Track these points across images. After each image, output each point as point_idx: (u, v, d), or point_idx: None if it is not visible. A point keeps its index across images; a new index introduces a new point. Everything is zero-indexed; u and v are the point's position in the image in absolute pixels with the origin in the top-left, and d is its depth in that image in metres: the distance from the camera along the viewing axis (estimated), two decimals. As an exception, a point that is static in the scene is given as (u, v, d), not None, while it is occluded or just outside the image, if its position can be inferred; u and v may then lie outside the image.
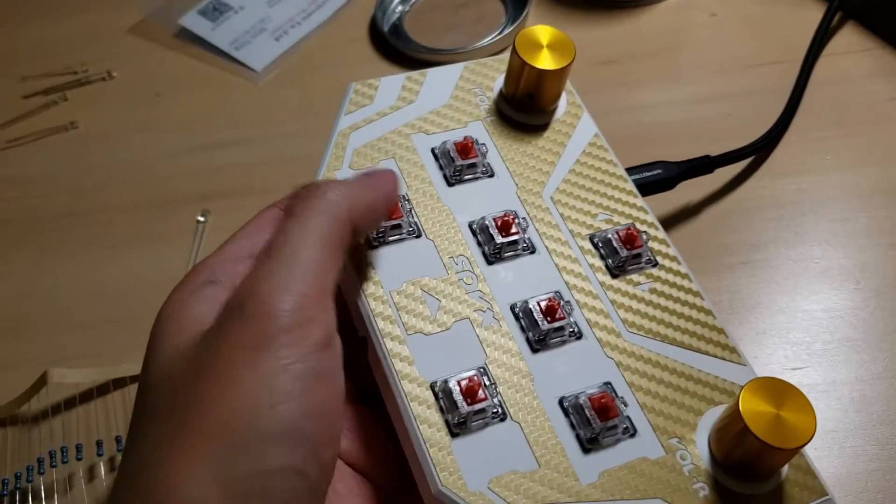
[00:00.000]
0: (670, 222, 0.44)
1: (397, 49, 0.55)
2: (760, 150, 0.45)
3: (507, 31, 0.54)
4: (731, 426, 0.29)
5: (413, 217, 0.36)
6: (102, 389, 0.42)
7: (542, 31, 0.38)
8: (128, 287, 0.46)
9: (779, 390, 0.29)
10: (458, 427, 0.31)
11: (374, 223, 0.33)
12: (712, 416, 0.31)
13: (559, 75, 0.38)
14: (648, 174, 0.42)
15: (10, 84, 0.57)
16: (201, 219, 0.49)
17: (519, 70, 0.38)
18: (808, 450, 0.36)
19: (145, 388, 0.27)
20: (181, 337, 0.27)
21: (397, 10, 0.57)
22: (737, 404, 0.29)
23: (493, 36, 0.54)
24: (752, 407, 0.28)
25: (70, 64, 0.58)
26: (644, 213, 0.37)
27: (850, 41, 0.51)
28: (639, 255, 0.35)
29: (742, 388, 0.29)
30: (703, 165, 0.43)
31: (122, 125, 0.54)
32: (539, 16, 0.56)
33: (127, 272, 0.47)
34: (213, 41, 0.57)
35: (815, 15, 0.52)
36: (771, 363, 0.39)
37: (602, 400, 0.31)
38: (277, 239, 0.28)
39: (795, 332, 0.40)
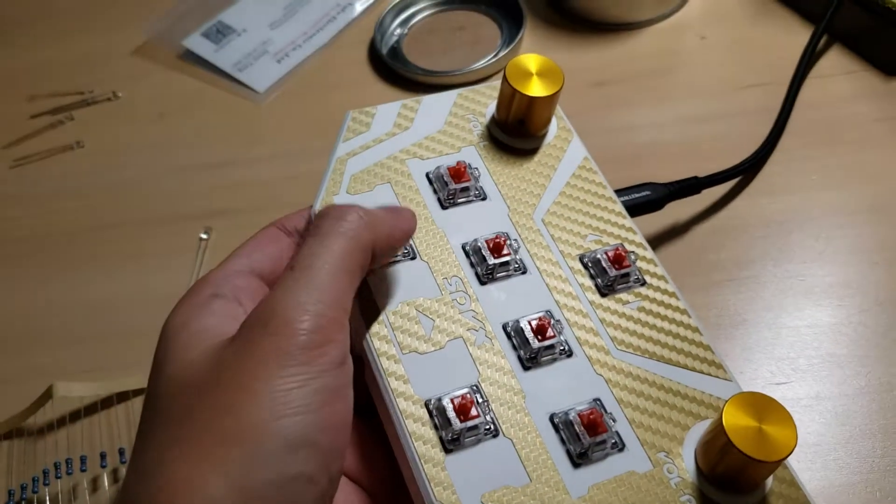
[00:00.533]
0: (660, 240, 0.45)
1: (395, 71, 0.56)
2: (747, 170, 0.46)
3: (502, 54, 0.55)
4: (716, 440, 0.30)
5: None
6: (106, 403, 0.43)
7: (532, 60, 0.39)
8: (131, 302, 0.47)
9: (761, 405, 0.30)
10: (451, 443, 0.31)
11: (391, 253, 0.34)
12: (699, 431, 0.32)
13: (549, 102, 0.39)
14: (637, 195, 0.43)
15: (18, 104, 0.58)
16: (204, 236, 0.50)
17: (510, 97, 0.39)
18: (793, 462, 0.37)
19: (156, 394, 0.28)
20: (193, 347, 0.28)
21: (396, 34, 0.59)
22: (720, 419, 0.29)
23: (488, 58, 0.55)
24: (735, 421, 0.29)
25: (77, 85, 0.59)
26: (632, 233, 0.38)
27: (835, 63, 0.53)
28: (627, 275, 0.36)
29: (725, 402, 0.30)
30: (691, 186, 0.44)
31: (127, 145, 0.55)
32: (533, 39, 0.57)
33: (131, 288, 0.48)
34: (217, 63, 0.58)
35: (803, 38, 0.54)
36: (756, 378, 0.40)
37: (591, 416, 0.32)
38: (301, 257, 0.29)
39: (780, 347, 0.41)
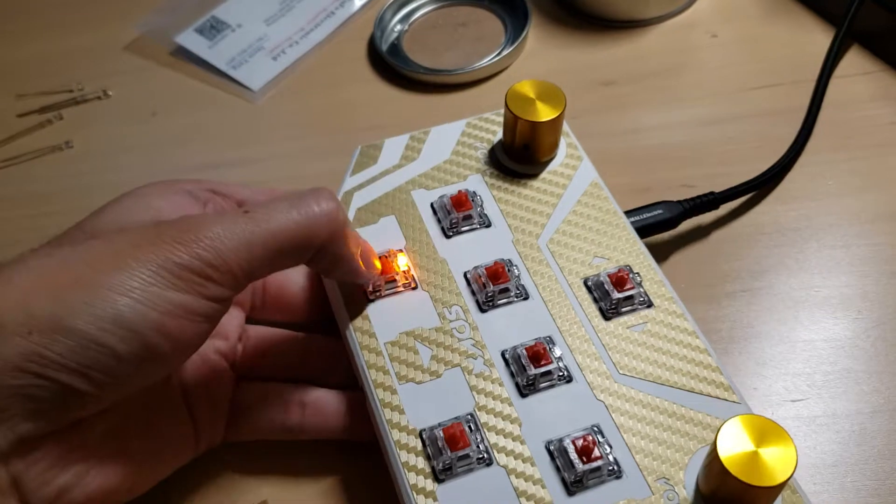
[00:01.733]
0: (670, 249, 0.43)
1: (395, 69, 0.54)
2: (768, 181, 0.45)
3: (506, 52, 0.53)
4: (712, 466, 0.29)
5: (410, 270, 0.37)
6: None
7: (531, 85, 0.40)
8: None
9: (758, 428, 0.29)
10: (443, 473, 0.32)
11: (341, 272, 0.35)
12: (702, 456, 0.31)
13: (552, 126, 0.39)
14: (649, 215, 0.41)
15: (5, 102, 0.56)
16: (196, 241, 0.48)
17: (513, 124, 0.39)
18: (807, 485, 0.35)
19: (79, 226, 0.35)
20: (134, 215, 0.34)
21: (396, 30, 0.57)
22: (714, 444, 0.29)
23: (492, 56, 0.54)
24: (731, 446, 0.29)
25: (66, 82, 0.57)
26: (641, 255, 0.38)
27: (852, 64, 0.51)
28: (631, 297, 0.36)
29: (719, 427, 0.29)
30: (708, 203, 0.43)
31: (118, 145, 0.54)
32: (538, 36, 0.56)
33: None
34: (210, 60, 0.57)
35: (818, 37, 0.52)
36: (771, 394, 0.38)
37: (584, 442, 0.31)
38: (260, 210, 0.31)
39: (796, 362, 0.39)
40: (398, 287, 0.37)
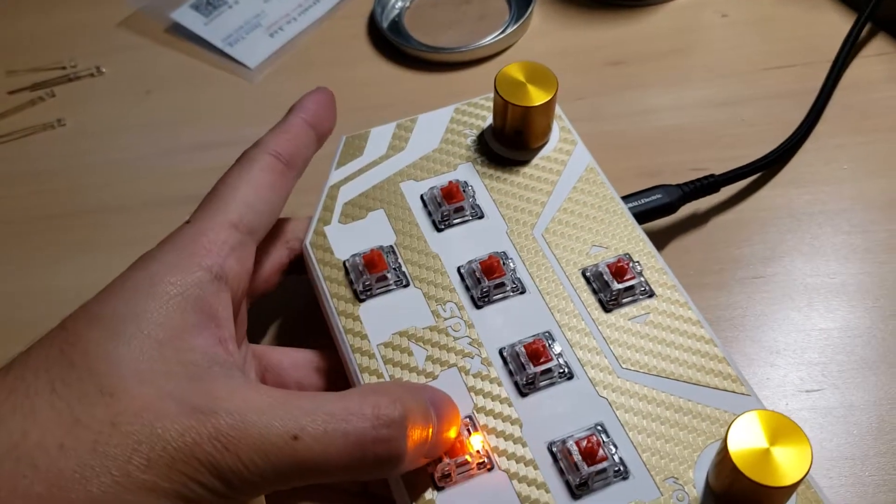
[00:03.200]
0: (675, 234, 0.42)
1: (397, 46, 0.53)
2: (770, 164, 0.43)
3: (510, 30, 0.52)
4: (723, 465, 0.28)
5: (401, 267, 0.36)
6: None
7: (521, 67, 0.38)
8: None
9: (772, 424, 0.28)
10: (442, 480, 0.30)
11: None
12: (712, 452, 0.30)
13: (544, 110, 0.38)
14: (647, 200, 0.40)
15: (-5, 79, 0.55)
16: (190, 223, 0.47)
17: (503, 109, 0.38)
18: (823, 479, 0.34)
19: (66, 333, 0.28)
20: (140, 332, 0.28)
21: (397, 7, 0.55)
22: (725, 442, 0.27)
23: (496, 34, 0.52)
24: (742, 445, 0.27)
25: (58, 59, 0.56)
26: (641, 242, 0.36)
27: (869, 45, 0.49)
28: (632, 287, 0.34)
29: (730, 424, 0.28)
30: (708, 186, 0.41)
31: (111, 123, 0.52)
32: (544, 14, 0.54)
33: (111, 278, 0.45)
34: (206, 37, 0.55)
35: (830, 17, 0.51)
36: (785, 385, 0.37)
37: (587, 444, 0.30)
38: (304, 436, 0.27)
39: (810, 351, 0.38)
40: (389, 285, 0.35)
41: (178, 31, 0.56)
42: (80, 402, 0.25)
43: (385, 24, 0.54)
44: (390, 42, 0.53)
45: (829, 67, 0.47)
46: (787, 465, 0.27)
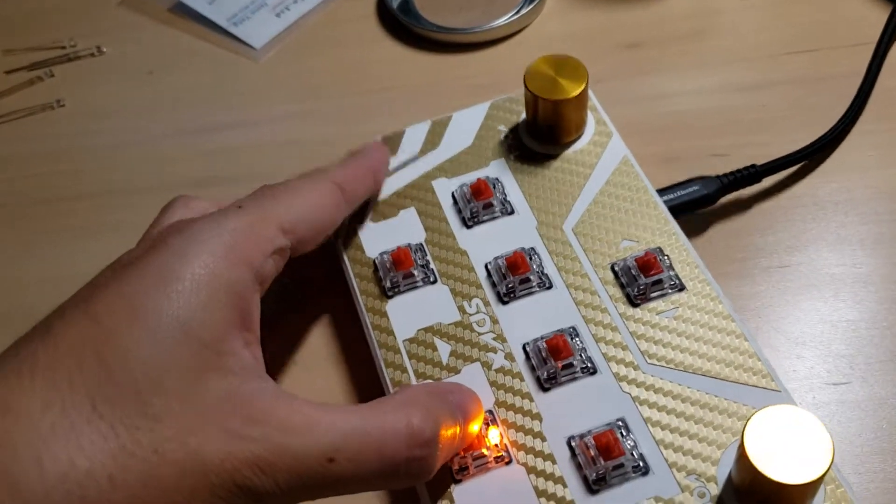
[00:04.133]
0: (700, 222, 0.41)
1: (407, 27, 0.51)
2: (817, 152, 0.42)
3: (524, 11, 0.50)
4: (741, 462, 0.27)
5: (429, 264, 0.36)
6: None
7: (549, 61, 0.38)
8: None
9: (789, 419, 0.27)
10: (459, 473, 0.30)
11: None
12: (736, 448, 0.29)
13: (576, 102, 0.37)
14: (683, 193, 0.39)
15: (-8, 58, 0.53)
16: (193, 207, 0.45)
17: (534, 104, 0.38)
18: (852, 475, 0.33)
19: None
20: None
21: (407, -14, 0.54)
22: (742, 439, 0.27)
23: (510, 15, 0.50)
24: (759, 441, 0.27)
25: (58, 38, 0.54)
26: (673, 236, 0.35)
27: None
28: (660, 281, 0.34)
29: (747, 420, 0.27)
30: (749, 176, 0.40)
31: (112, 105, 0.51)
32: (558, -5, 0.53)
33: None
34: (210, 16, 0.54)
35: (854, 1, 0.49)
36: (811, 377, 0.36)
37: (604, 439, 0.29)
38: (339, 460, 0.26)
39: (837, 343, 0.36)
40: (417, 282, 0.35)
41: (182, 9, 0.55)
42: (124, 424, 0.23)
43: (395, 4, 0.52)
44: (400, 22, 0.52)
45: (873, 52, 0.45)
46: (808, 461, 0.26)
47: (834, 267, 0.39)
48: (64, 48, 0.54)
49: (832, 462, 0.26)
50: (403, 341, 0.34)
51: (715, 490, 0.29)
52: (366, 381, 0.37)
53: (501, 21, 0.50)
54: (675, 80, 0.47)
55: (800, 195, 0.41)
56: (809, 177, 0.42)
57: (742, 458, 0.27)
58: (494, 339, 0.33)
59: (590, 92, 0.39)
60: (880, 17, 0.47)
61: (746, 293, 0.38)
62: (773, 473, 0.26)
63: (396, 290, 0.35)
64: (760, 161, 0.41)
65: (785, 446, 0.26)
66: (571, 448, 0.30)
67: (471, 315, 0.34)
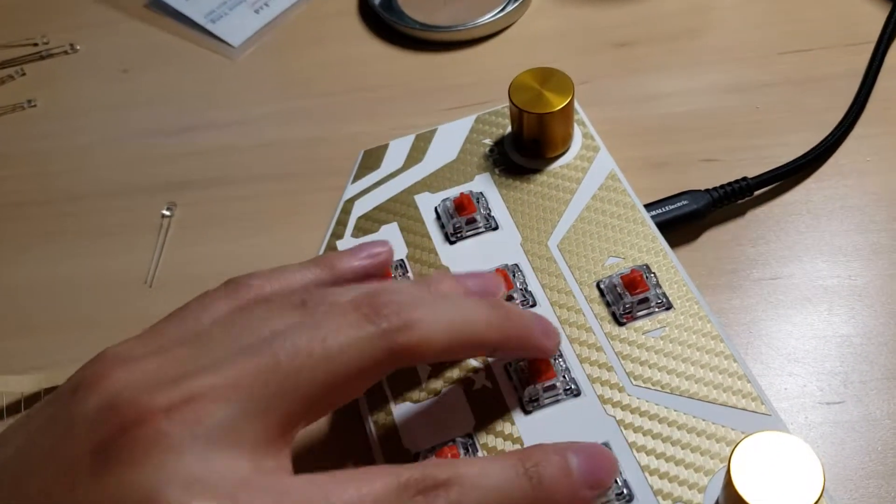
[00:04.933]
0: (689, 233, 0.39)
1: (389, 24, 0.50)
2: (811, 163, 0.40)
3: (510, 8, 0.49)
4: (728, 491, 0.26)
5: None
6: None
7: (534, 74, 0.37)
8: (85, 288, 0.42)
9: (778, 446, 0.26)
10: None
11: None
12: (724, 475, 0.28)
13: (562, 116, 0.36)
14: (672, 208, 0.38)
15: (-39, 55, 0.52)
16: (167, 212, 0.44)
17: (519, 118, 0.37)
18: (845, 500, 0.31)
19: None
20: None
21: (390, -18, 0.52)
22: (729, 467, 0.26)
23: (495, 12, 0.49)
24: (746, 470, 0.25)
25: (29, 34, 0.53)
26: (661, 253, 0.34)
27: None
28: (646, 300, 0.32)
29: (733, 448, 0.26)
30: (741, 190, 0.39)
31: (85, 104, 0.50)
32: (546, -9, 0.51)
33: (84, 271, 0.42)
34: (187, 12, 0.52)
35: (853, -3, 0.48)
36: (803, 396, 0.34)
37: None
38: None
39: (830, 360, 0.35)
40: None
41: (158, 6, 0.53)
42: None
43: (377, 1, 0.51)
44: (382, 20, 0.50)
45: (872, 51, 0.44)
46: (797, 490, 0.25)
47: (828, 279, 0.37)
48: (36, 45, 0.52)
49: (822, 492, 0.25)
50: None
51: None
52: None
53: (486, 18, 0.49)
54: (665, 80, 0.46)
55: (793, 202, 0.40)
56: (803, 183, 0.41)
57: (728, 486, 0.26)
58: (476, 358, 0.32)
59: (577, 105, 0.38)
60: (879, 16, 0.46)
61: (736, 306, 0.37)
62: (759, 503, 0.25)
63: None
64: (753, 167, 0.40)
65: (773, 474, 0.25)
66: None
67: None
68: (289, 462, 0.23)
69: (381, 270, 0.30)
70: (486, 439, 0.30)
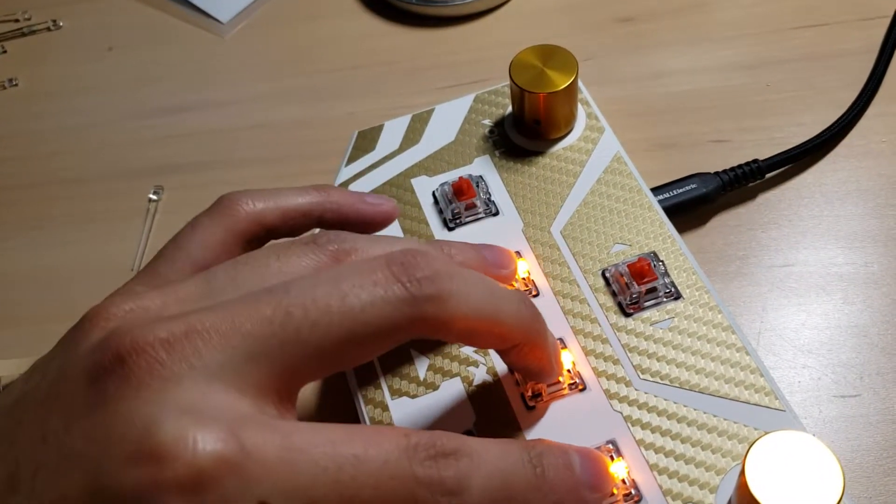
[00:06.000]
0: (698, 217, 0.38)
1: (384, -1, 0.48)
2: (824, 144, 0.39)
3: (510, -18, 0.47)
4: (742, 493, 0.25)
5: None
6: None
7: (536, 51, 0.36)
8: (71, 275, 0.40)
9: (796, 447, 0.25)
10: None
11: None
12: (737, 474, 0.27)
13: (565, 95, 0.35)
14: (680, 191, 0.36)
15: (-61, 33, 0.50)
16: (153, 197, 0.42)
17: (520, 97, 0.35)
18: (861, 498, 0.30)
19: None
20: None
21: (385, -45, 0.50)
22: (743, 469, 0.24)
23: (494, -14, 0.47)
24: (762, 470, 0.24)
25: (10, 10, 0.51)
26: (669, 240, 0.33)
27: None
28: (654, 289, 0.31)
29: (748, 448, 0.25)
30: (752, 172, 0.37)
31: (69, 84, 0.49)
32: (548, -36, 0.49)
33: (68, 258, 0.41)
34: (174, -13, 0.50)
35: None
36: (817, 389, 0.33)
37: None
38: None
39: (845, 351, 0.34)
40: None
41: (143, -20, 0.51)
42: None
43: (371, -26, 0.49)
44: (377, -6, 0.48)
45: (888, 26, 0.42)
46: (815, 494, 0.24)
47: (843, 266, 0.36)
48: (17, 21, 0.51)
49: (842, 496, 0.24)
50: (378, 356, 0.31)
51: None
52: (341, 398, 0.34)
53: (485, -8, 0.47)
54: (672, 57, 0.44)
55: (806, 185, 0.38)
56: (817, 165, 0.39)
57: (743, 488, 0.24)
58: (476, 351, 0.31)
59: (580, 84, 0.37)
60: (895, -12, 0.44)
61: (747, 294, 0.35)
62: None
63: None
64: (764, 149, 0.38)
65: (790, 477, 0.24)
66: None
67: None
68: (293, 416, 0.22)
69: (382, 226, 0.29)
70: (487, 435, 0.29)
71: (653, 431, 0.28)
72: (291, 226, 0.28)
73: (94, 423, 0.19)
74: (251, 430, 0.19)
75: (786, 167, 0.39)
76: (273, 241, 0.26)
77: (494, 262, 0.29)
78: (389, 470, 0.20)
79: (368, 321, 0.21)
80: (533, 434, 0.29)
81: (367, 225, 0.29)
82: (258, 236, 0.27)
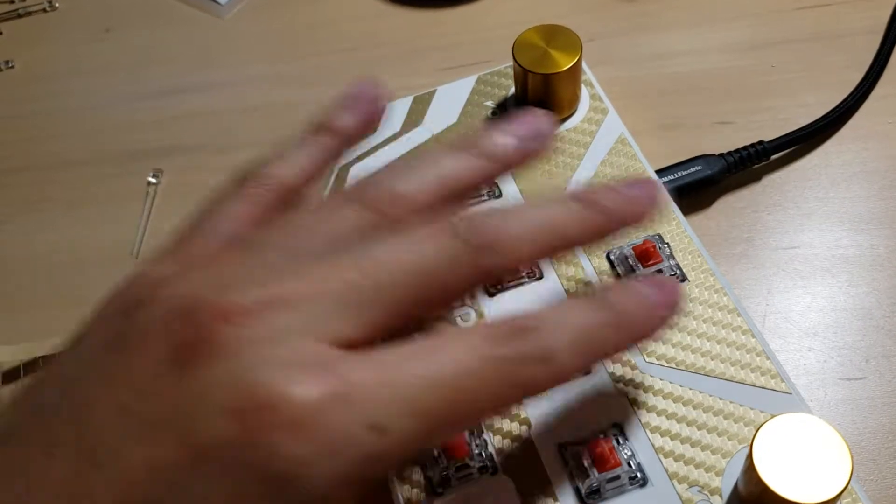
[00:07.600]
0: (702, 198, 0.37)
1: (385, -20, 0.47)
2: (831, 125, 0.38)
3: (512, -39, 0.46)
4: (750, 476, 0.25)
5: None
6: (30, 369, 0.36)
7: (539, 31, 0.35)
8: (68, 259, 0.40)
9: (804, 429, 0.25)
10: (440, 485, 0.28)
11: None
12: (744, 457, 0.27)
13: (568, 76, 0.35)
14: (685, 174, 0.36)
15: (-67, 14, 0.50)
16: (153, 180, 0.42)
17: (523, 78, 0.35)
18: (867, 481, 0.30)
19: None
20: None
21: (385, -66, 0.50)
22: (751, 451, 0.25)
23: (496, -34, 0.46)
24: (771, 455, 0.24)
25: (5, -9, 0.51)
26: (674, 222, 0.33)
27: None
28: (659, 272, 0.31)
29: (756, 430, 0.25)
30: (757, 154, 0.37)
31: (65, 66, 0.48)
32: (550, -57, 0.48)
33: (65, 242, 0.41)
34: (171, -33, 0.50)
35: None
36: (823, 372, 0.33)
37: (598, 448, 0.27)
38: None
39: (850, 333, 0.33)
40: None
41: (140, -40, 0.51)
42: None
43: (371, -46, 0.48)
44: (377, -26, 0.48)
45: (892, 11, 0.42)
46: (823, 477, 0.24)
47: (849, 248, 0.36)
48: (13, 2, 0.51)
49: (850, 478, 0.24)
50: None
51: (719, 503, 0.27)
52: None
53: (487, -28, 0.46)
54: (676, 37, 0.44)
55: (811, 167, 0.38)
56: (822, 146, 0.39)
57: (750, 471, 0.25)
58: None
59: (584, 64, 0.36)
60: (901, -32, 0.44)
61: (752, 277, 0.35)
62: (785, 491, 0.24)
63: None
64: (769, 130, 0.38)
65: (798, 460, 0.24)
66: (563, 457, 0.28)
67: (454, 308, 0.32)
68: None
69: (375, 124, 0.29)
70: (489, 421, 0.29)
71: (658, 414, 0.28)
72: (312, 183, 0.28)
73: (181, 390, 0.19)
74: (348, 365, 0.20)
75: (791, 149, 0.38)
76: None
77: (532, 136, 0.26)
78: (480, 363, 0.21)
79: (445, 279, 0.22)
80: (540, 421, 0.29)
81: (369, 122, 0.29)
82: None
